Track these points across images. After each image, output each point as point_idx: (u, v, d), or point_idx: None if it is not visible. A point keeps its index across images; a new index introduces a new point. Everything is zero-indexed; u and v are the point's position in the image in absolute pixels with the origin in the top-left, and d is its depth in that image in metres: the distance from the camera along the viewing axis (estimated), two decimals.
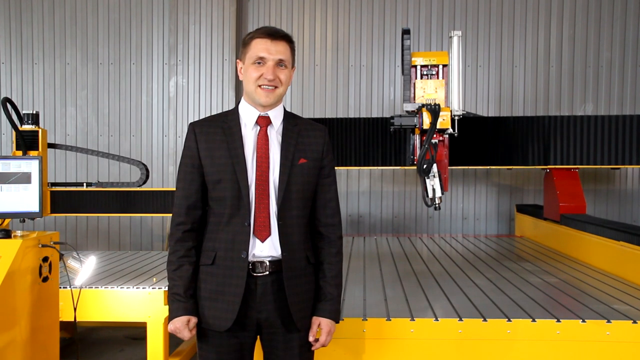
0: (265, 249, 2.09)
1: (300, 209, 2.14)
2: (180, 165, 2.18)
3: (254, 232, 2.08)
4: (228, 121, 2.16)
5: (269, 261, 2.09)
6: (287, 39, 2.13)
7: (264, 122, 2.14)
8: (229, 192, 2.08)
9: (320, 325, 2.17)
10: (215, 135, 2.13)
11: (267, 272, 2.09)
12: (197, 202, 2.14)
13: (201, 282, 2.13)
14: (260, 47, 2.08)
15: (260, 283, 2.09)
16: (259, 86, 2.09)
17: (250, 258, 2.08)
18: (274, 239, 2.09)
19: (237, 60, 2.21)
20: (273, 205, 2.09)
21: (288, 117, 2.21)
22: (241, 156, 2.09)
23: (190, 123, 2.19)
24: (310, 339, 2.18)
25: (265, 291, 2.09)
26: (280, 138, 2.15)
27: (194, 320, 2.11)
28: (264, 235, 2.08)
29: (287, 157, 2.12)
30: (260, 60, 2.09)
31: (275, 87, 2.10)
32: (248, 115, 2.16)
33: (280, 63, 2.10)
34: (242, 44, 2.16)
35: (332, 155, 2.25)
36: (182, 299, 2.09)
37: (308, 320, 2.17)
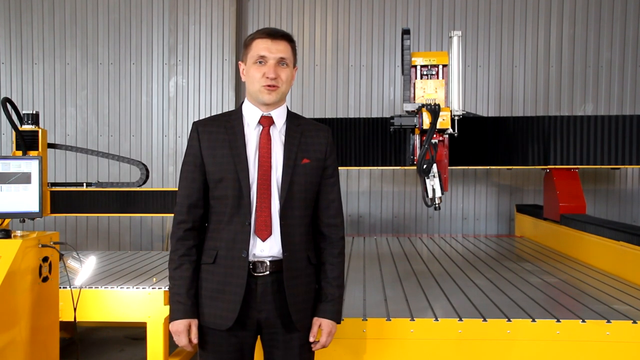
0: (266, 248, 2.09)
1: (302, 209, 2.14)
2: (182, 164, 2.18)
3: (254, 232, 2.08)
4: (231, 120, 2.17)
5: (270, 261, 2.09)
6: (287, 38, 2.14)
7: (266, 122, 2.14)
8: (230, 191, 2.08)
9: (321, 326, 2.17)
10: (218, 134, 2.13)
11: (268, 272, 2.09)
12: (199, 201, 2.14)
13: (202, 280, 2.13)
14: (261, 47, 2.09)
15: (260, 283, 2.09)
16: (262, 85, 2.10)
17: (251, 258, 2.08)
18: (276, 238, 2.09)
19: (239, 62, 2.22)
20: (275, 204, 2.09)
21: (291, 117, 2.21)
22: (243, 155, 2.09)
23: (194, 122, 2.19)
24: (311, 339, 2.17)
25: (266, 291, 2.09)
26: (283, 138, 2.15)
27: (195, 327, 2.10)
28: (264, 235, 2.08)
29: (290, 157, 2.12)
30: (262, 60, 2.09)
31: (277, 85, 2.10)
32: (251, 115, 2.16)
33: (281, 62, 2.10)
34: (244, 45, 2.17)
35: (335, 155, 2.25)
36: (182, 300, 2.09)
37: (308, 321, 2.17)
